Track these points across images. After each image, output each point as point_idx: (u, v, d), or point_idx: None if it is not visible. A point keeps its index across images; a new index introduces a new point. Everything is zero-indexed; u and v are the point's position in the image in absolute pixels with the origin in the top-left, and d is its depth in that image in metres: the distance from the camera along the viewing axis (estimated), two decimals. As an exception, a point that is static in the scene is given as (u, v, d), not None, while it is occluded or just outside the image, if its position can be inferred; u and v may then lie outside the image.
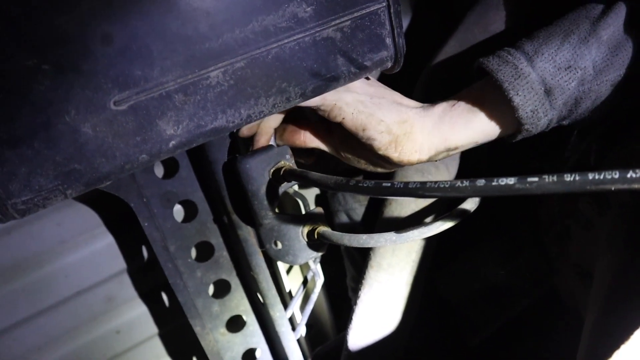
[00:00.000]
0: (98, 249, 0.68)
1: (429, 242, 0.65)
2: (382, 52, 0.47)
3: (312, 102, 0.49)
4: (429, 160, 0.53)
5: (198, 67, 0.38)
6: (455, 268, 0.83)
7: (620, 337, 0.39)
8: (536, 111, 0.48)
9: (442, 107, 0.52)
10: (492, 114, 0.50)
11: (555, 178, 0.32)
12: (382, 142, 0.50)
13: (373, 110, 0.50)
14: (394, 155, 0.51)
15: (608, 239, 0.52)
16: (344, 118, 0.50)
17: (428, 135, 0.51)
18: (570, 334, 0.56)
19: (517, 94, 0.47)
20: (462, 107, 0.51)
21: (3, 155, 0.34)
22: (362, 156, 0.56)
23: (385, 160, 0.53)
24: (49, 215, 0.63)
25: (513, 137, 0.52)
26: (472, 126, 0.50)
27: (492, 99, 0.50)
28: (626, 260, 0.48)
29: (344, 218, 0.78)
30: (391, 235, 0.50)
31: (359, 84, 0.51)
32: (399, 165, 0.53)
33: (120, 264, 0.71)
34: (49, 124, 0.35)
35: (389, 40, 0.47)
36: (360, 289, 0.66)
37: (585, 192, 0.33)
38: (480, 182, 0.35)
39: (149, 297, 0.76)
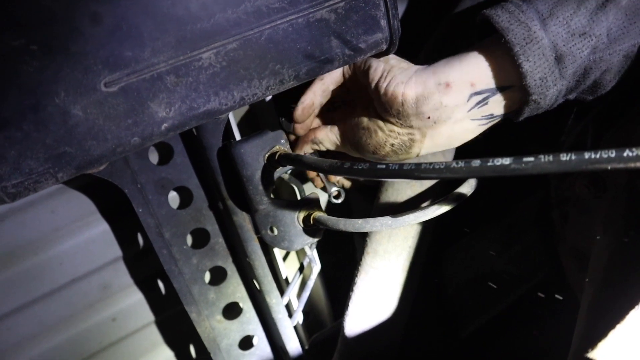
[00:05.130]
0: (93, 237, 0.68)
1: (426, 228, 0.65)
2: (376, 34, 0.46)
3: None
4: (417, 100, 0.48)
5: (190, 48, 0.38)
6: (453, 255, 0.83)
7: (616, 317, 0.39)
8: (545, 79, 0.45)
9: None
10: (493, 61, 0.47)
11: (551, 158, 0.32)
12: (378, 70, 0.50)
13: None
14: (382, 85, 0.49)
15: (604, 220, 0.51)
16: None
17: (421, 71, 0.49)
18: (566, 318, 0.56)
19: (528, 60, 0.44)
20: (459, 51, 0.49)
21: (-8, 138, 0.34)
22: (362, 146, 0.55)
23: (381, 107, 0.51)
24: (43, 202, 0.63)
25: (519, 112, 0.49)
26: (467, 61, 0.48)
27: (498, 52, 0.47)
28: (622, 241, 0.48)
29: None
30: (387, 220, 0.50)
31: None
32: (386, 106, 0.50)
33: (116, 251, 0.71)
34: (38, 106, 0.35)
35: (383, 22, 0.46)
36: (356, 276, 0.65)
37: (581, 172, 0.32)
38: (476, 162, 0.35)
39: (145, 284, 0.76)
